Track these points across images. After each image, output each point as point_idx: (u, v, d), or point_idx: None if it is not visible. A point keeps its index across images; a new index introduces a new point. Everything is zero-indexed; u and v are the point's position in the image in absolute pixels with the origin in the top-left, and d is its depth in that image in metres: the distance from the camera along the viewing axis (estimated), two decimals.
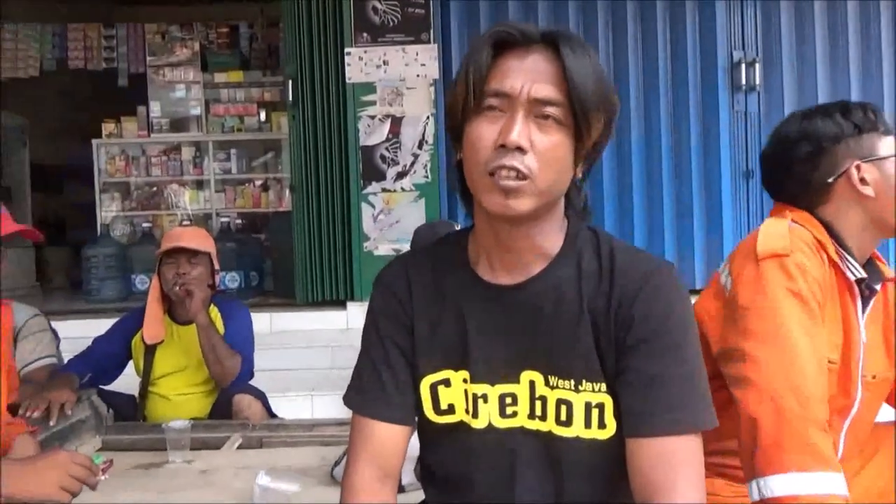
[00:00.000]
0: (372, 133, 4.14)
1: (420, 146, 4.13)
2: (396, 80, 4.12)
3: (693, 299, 1.01)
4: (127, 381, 2.56)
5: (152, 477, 1.87)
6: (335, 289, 4.27)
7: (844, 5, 4.15)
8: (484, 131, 0.87)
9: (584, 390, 0.91)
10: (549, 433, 0.92)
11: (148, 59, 6.16)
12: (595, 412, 0.91)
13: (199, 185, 6.25)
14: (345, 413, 1.04)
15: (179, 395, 2.47)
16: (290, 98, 4.28)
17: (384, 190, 4.15)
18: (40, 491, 1.29)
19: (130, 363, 2.55)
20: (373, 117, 4.14)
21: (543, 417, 0.92)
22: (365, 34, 4.13)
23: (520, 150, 0.85)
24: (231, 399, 2.32)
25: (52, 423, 1.93)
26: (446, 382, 0.97)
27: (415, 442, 1.02)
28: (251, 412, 2.30)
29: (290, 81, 4.27)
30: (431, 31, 4.13)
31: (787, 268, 1.15)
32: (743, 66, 4.12)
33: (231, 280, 4.92)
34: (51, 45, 6.37)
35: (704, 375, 0.91)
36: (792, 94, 4.14)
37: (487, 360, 0.94)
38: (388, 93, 4.13)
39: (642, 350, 0.88)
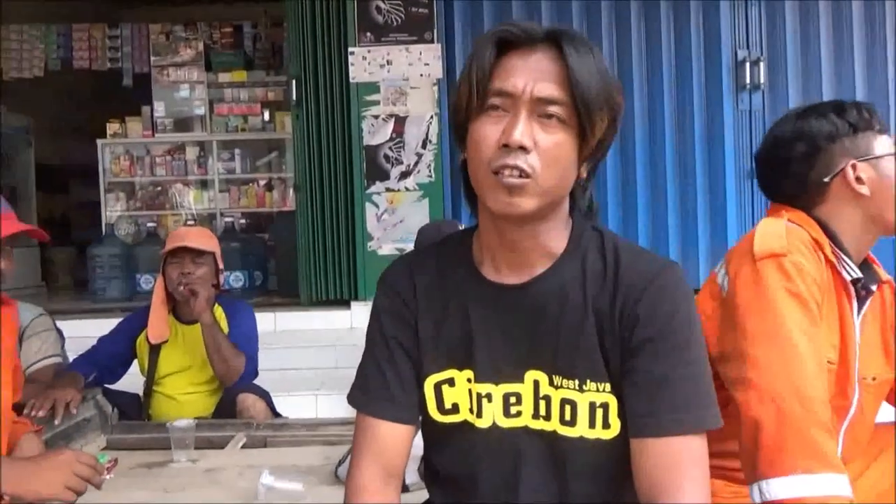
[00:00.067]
0: (375, 133, 4.14)
1: (424, 146, 4.13)
2: (400, 79, 4.13)
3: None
4: (131, 381, 2.57)
5: (157, 476, 1.88)
6: (339, 288, 4.27)
7: (849, 4, 4.14)
8: (487, 131, 0.87)
9: (589, 390, 0.90)
10: (554, 433, 0.92)
11: (152, 59, 6.18)
12: (599, 412, 0.90)
13: (204, 184, 6.27)
14: (349, 412, 1.04)
15: (184, 394, 2.47)
16: (294, 98, 4.29)
17: (388, 189, 4.15)
18: (45, 490, 1.29)
19: (135, 362, 2.56)
20: (376, 117, 4.14)
21: (548, 417, 0.92)
22: (368, 34, 4.13)
23: (523, 149, 0.85)
24: (235, 398, 2.33)
25: (57, 423, 1.93)
26: (450, 382, 0.97)
27: (419, 441, 1.02)
28: (255, 411, 2.31)
29: (294, 81, 4.28)
30: (435, 31, 4.13)
31: (785, 268, 1.14)
32: (747, 64, 4.11)
33: (235, 280, 4.93)
34: (55, 46, 6.40)
35: (709, 375, 0.91)
36: (796, 93, 4.13)
37: (492, 359, 0.94)
38: (391, 92, 4.13)
39: (647, 350, 0.88)
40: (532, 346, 0.93)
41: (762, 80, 4.11)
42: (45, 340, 2.38)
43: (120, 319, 2.62)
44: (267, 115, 6.16)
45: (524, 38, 0.88)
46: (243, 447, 2.10)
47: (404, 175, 4.14)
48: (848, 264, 1.22)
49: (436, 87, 4.13)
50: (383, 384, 0.98)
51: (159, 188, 6.25)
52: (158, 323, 2.45)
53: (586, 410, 0.91)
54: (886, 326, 1.30)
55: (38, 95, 6.60)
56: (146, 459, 1.99)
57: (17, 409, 1.62)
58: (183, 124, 6.15)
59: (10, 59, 6.30)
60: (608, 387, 0.90)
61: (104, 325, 2.65)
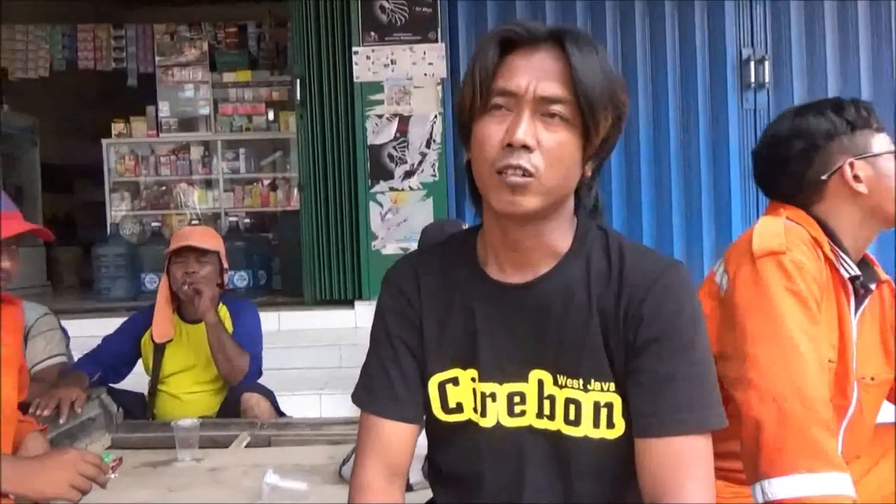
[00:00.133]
0: (380, 132, 4.15)
1: (428, 145, 4.13)
2: (404, 79, 4.13)
3: None
4: (136, 380, 2.57)
5: (161, 475, 1.88)
6: (343, 288, 4.28)
7: (854, 4, 4.12)
8: (491, 130, 0.87)
9: (593, 390, 0.90)
10: (558, 432, 0.92)
11: (157, 59, 6.19)
12: (604, 412, 0.90)
13: (208, 184, 6.28)
14: (353, 412, 1.04)
15: (188, 393, 2.48)
16: (298, 97, 4.29)
17: (392, 189, 4.15)
18: (50, 489, 1.29)
19: (140, 362, 2.57)
20: (380, 116, 4.14)
21: (552, 417, 0.92)
22: (372, 33, 4.13)
23: (526, 148, 0.85)
24: (240, 397, 2.33)
25: (62, 422, 1.94)
26: (455, 381, 0.96)
27: (423, 441, 1.02)
28: (259, 411, 2.31)
29: (298, 81, 4.28)
30: (439, 30, 4.13)
31: (785, 266, 1.14)
32: (752, 63, 4.09)
33: (240, 279, 4.94)
34: (61, 46, 6.42)
35: (714, 375, 0.91)
36: (801, 91, 4.11)
37: (496, 358, 0.94)
38: (395, 92, 4.13)
39: (651, 350, 0.88)
40: (536, 345, 0.93)
41: (767, 79, 4.09)
42: (51, 340, 2.39)
43: (125, 319, 2.63)
44: (271, 115, 6.17)
45: (527, 37, 0.88)
46: (247, 446, 2.10)
47: (408, 174, 4.14)
48: (846, 262, 1.22)
49: (440, 87, 4.13)
50: (387, 383, 0.98)
51: (164, 188, 6.27)
52: (163, 322, 2.45)
53: (591, 410, 0.90)
54: (886, 326, 1.30)
55: (43, 96, 6.62)
56: (151, 458, 1.99)
57: (23, 408, 1.63)
58: (187, 124, 6.16)
59: (15, 60, 6.32)
60: (612, 386, 0.90)
61: (109, 325, 2.66)
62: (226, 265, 2.53)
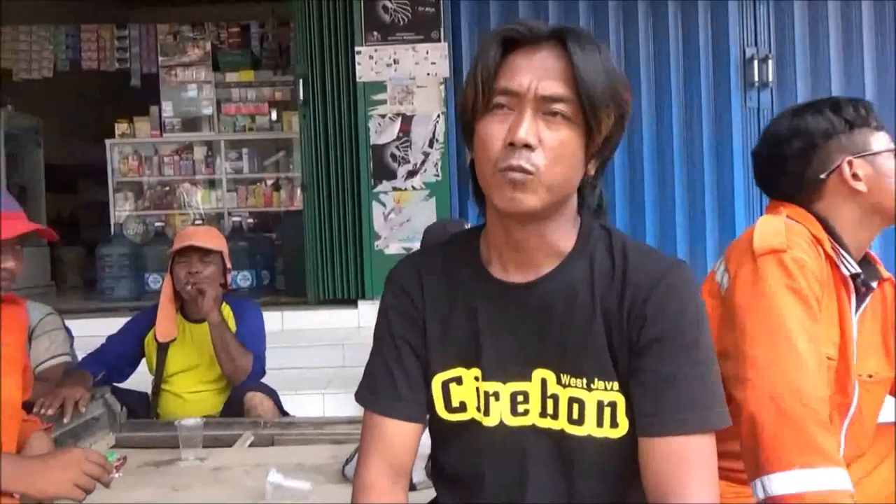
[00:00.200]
0: (382, 132, 4.15)
1: (431, 145, 4.13)
2: (407, 78, 4.13)
3: None
4: (140, 379, 2.58)
5: (164, 474, 1.88)
6: (346, 287, 4.28)
7: (858, 3, 4.10)
8: (493, 129, 0.87)
9: (597, 389, 0.90)
10: (561, 432, 0.92)
11: (160, 59, 6.20)
12: (607, 411, 0.90)
13: (211, 184, 6.29)
14: (356, 411, 1.04)
15: (192, 392, 2.48)
16: (301, 97, 4.30)
17: (395, 189, 4.16)
18: (55, 488, 1.30)
19: (143, 361, 2.57)
20: (383, 116, 4.14)
21: (555, 416, 0.92)
22: (375, 33, 4.13)
23: (528, 147, 0.85)
24: (243, 397, 2.34)
25: (66, 421, 1.94)
26: (458, 380, 0.96)
27: (426, 440, 1.02)
28: (263, 410, 2.31)
29: (301, 80, 4.29)
30: (442, 30, 4.13)
31: (786, 264, 1.14)
32: (755, 62, 4.09)
33: (243, 279, 4.94)
34: (64, 46, 6.43)
35: (718, 375, 0.90)
36: (805, 90, 4.10)
37: (499, 358, 0.94)
38: (398, 91, 4.14)
39: (655, 350, 0.88)
40: (540, 344, 0.93)
41: (771, 78, 4.09)
42: (54, 339, 2.40)
43: (128, 318, 2.63)
44: (274, 115, 6.17)
45: (529, 36, 0.88)
46: (251, 446, 2.11)
47: (411, 174, 4.15)
48: (847, 259, 1.22)
49: (442, 86, 4.13)
50: (391, 383, 0.98)
51: (167, 188, 6.28)
52: (166, 322, 2.46)
53: (594, 409, 0.90)
54: (887, 324, 1.30)
55: (46, 96, 6.64)
56: (154, 458, 2.00)
57: (27, 407, 1.63)
58: (191, 124, 6.17)
59: (19, 60, 6.34)
60: (616, 386, 0.90)
61: (113, 325, 2.67)
62: (229, 265, 2.54)
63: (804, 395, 1.05)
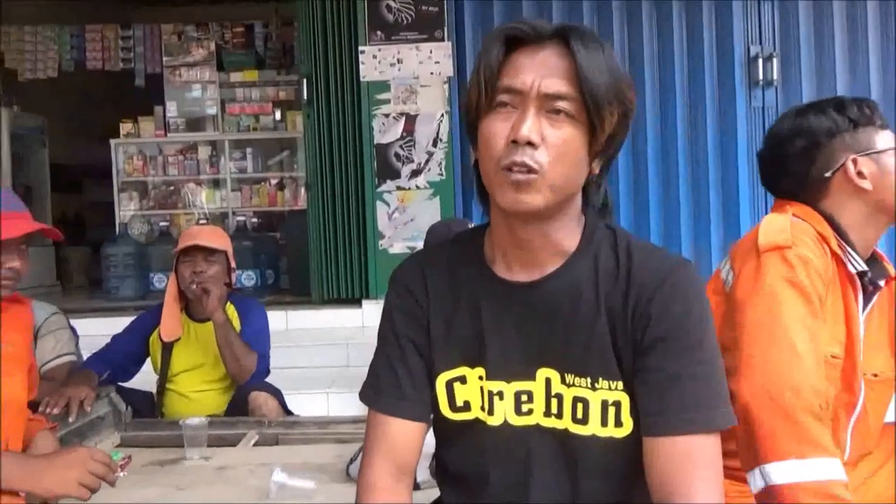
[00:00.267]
0: (386, 131, 4.15)
1: (434, 144, 4.13)
2: (410, 77, 4.13)
3: None
4: (145, 379, 2.59)
5: (169, 473, 1.89)
6: (350, 287, 4.29)
7: (864, 3, 4.09)
8: (496, 128, 0.87)
9: (601, 388, 0.90)
10: (565, 431, 0.92)
11: (164, 59, 6.22)
12: (611, 410, 0.90)
13: (216, 183, 6.30)
14: (360, 410, 1.04)
15: (196, 391, 2.49)
16: (305, 97, 4.30)
17: (399, 188, 4.16)
18: (60, 487, 1.30)
19: (148, 360, 2.58)
20: (387, 115, 4.14)
21: (559, 415, 0.92)
22: (379, 32, 4.13)
23: (531, 145, 0.85)
24: (247, 396, 2.34)
25: (71, 420, 1.95)
26: (462, 379, 0.96)
27: (430, 439, 1.02)
28: (267, 409, 2.32)
29: (305, 80, 4.29)
30: (445, 29, 4.13)
31: (789, 259, 1.15)
32: (760, 60, 4.07)
33: (247, 278, 4.95)
34: (69, 46, 6.45)
35: (723, 374, 0.90)
36: (810, 89, 4.09)
37: (503, 357, 0.94)
38: (402, 91, 4.14)
39: (659, 349, 0.88)
40: (544, 344, 0.93)
41: (775, 77, 4.07)
42: (60, 339, 2.41)
43: (133, 318, 2.64)
44: (278, 115, 6.18)
45: (533, 35, 0.88)
46: (255, 445, 2.11)
47: (415, 173, 4.15)
48: (854, 257, 1.22)
49: (446, 85, 4.13)
50: (395, 382, 0.98)
51: (172, 187, 6.29)
52: (171, 321, 2.46)
53: (598, 409, 0.90)
54: (893, 323, 1.29)
55: (52, 96, 6.66)
56: (159, 457, 2.00)
57: (32, 406, 1.64)
58: (195, 124, 6.18)
59: (24, 61, 6.36)
60: (620, 385, 0.90)
61: (118, 324, 2.67)
62: (233, 264, 2.54)
63: (797, 386, 1.05)
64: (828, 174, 1.26)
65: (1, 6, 5.63)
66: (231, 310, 2.51)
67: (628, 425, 0.90)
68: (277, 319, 3.81)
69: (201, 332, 2.49)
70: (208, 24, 6.34)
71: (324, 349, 3.84)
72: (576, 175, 0.89)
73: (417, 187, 4.15)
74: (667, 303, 0.88)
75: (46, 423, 1.62)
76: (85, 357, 2.51)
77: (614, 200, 1.01)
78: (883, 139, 1.27)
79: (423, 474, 1.56)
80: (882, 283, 1.27)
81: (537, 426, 0.93)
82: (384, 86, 4.14)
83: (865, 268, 1.23)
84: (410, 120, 4.14)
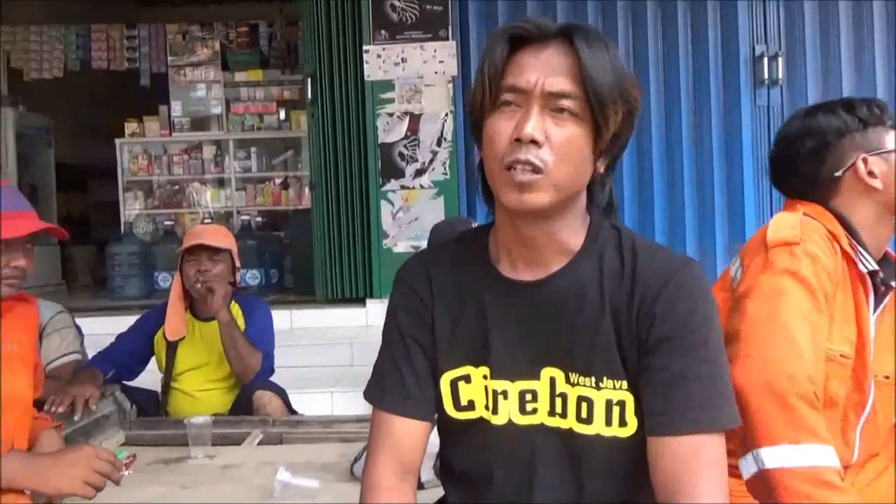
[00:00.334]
0: (391, 130, 4.15)
1: (439, 143, 4.13)
2: (415, 77, 4.13)
3: None
4: (149, 377, 2.59)
5: (174, 472, 1.89)
6: (355, 286, 4.29)
7: (870, 3, 4.07)
8: (500, 126, 0.87)
9: (605, 388, 0.90)
10: (570, 430, 0.92)
11: (169, 58, 6.23)
12: (616, 410, 0.90)
13: (220, 183, 6.31)
14: (364, 409, 1.05)
15: (201, 390, 2.49)
16: (310, 96, 4.31)
17: (403, 187, 4.16)
18: (65, 486, 1.30)
19: (153, 359, 2.58)
20: (391, 115, 4.14)
21: (564, 415, 0.92)
22: (383, 32, 4.13)
23: (535, 143, 0.85)
24: (252, 395, 2.34)
25: (76, 419, 1.96)
26: (466, 378, 0.96)
27: (434, 439, 1.02)
28: (272, 408, 2.32)
29: (310, 80, 4.29)
30: (450, 28, 4.13)
31: (796, 254, 1.15)
32: (765, 59, 4.06)
33: (252, 277, 4.96)
34: (74, 46, 6.47)
35: (727, 373, 0.90)
36: (815, 88, 4.07)
37: (508, 356, 0.94)
38: (406, 90, 4.13)
39: (664, 349, 0.87)
40: (548, 343, 0.92)
41: (780, 76, 4.06)
42: (65, 337, 2.41)
43: (138, 317, 2.64)
44: (283, 114, 6.19)
45: (537, 34, 0.88)
46: (259, 444, 2.11)
47: (419, 173, 4.14)
48: (865, 257, 1.22)
49: (450, 85, 4.13)
50: (399, 381, 0.98)
51: (177, 187, 6.31)
52: (176, 320, 2.47)
53: (603, 408, 0.90)
54: None
55: (57, 96, 6.68)
56: (164, 455, 2.01)
57: (38, 405, 1.64)
58: (200, 123, 6.20)
59: (30, 60, 6.38)
60: (625, 384, 0.90)
61: (122, 323, 2.68)
62: (238, 263, 2.54)
63: (794, 374, 1.05)
64: (838, 174, 1.26)
65: (1, 6, 5.65)
66: (235, 309, 2.52)
67: (633, 425, 0.90)
68: (282, 318, 3.81)
69: (206, 331, 2.49)
70: (213, 24, 6.35)
71: (328, 348, 3.85)
72: (580, 174, 0.89)
73: (421, 186, 4.15)
74: (672, 302, 0.88)
75: (52, 422, 1.62)
76: (90, 356, 2.51)
77: (619, 199, 1.01)
78: (893, 138, 1.27)
79: (428, 474, 1.56)
80: (894, 283, 1.27)
81: (542, 425, 0.93)
82: (388, 85, 4.14)
83: (877, 267, 1.23)
84: (415, 119, 4.13)
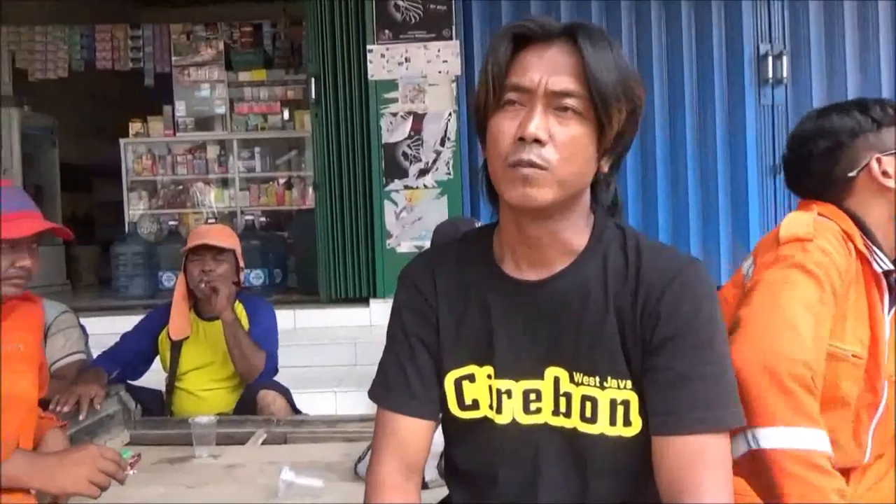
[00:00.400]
0: (394, 130, 4.15)
1: (442, 143, 4.13)
2: (418, 76, 4.13)
3: None
4: (154, 377, 2.60)
5: (178, 471, 1.90)
6: (358, 286, 4.29)
7: (875, 2, 4.05)
8: (504, 126, 0.87)
9: (610, 387, 0.90)
10: (574, 430, 0.91)
11: (173, 58, 6.24)
12: (620, 409, 0.90)
13: (224, 183, 6.32)
14: (368, 409, 1.05)
15: (205, 390, 2.50)
16: (313, 96, 4.31)
17: (406, 187, 4.16)
18: (70, 485, 1.31)
19: (157, 359, 2.59)
20: (395, 114, 4.14)
21: (568, 414, 0.92)
22: (387, 31, 4.13)
23: (538, 142, 0.85)
24: (256, 395, 2.34)
25: (81, 418, 1.96)
26: (471, 378, 0.96)
27: (439, 438, 1.02)
28: (276, 408, 2.32)
29: (313, 79, 4.30)
30: (453, 28, 4.12)
31: (808, 249, 1.15)
32: (770, 58, 4.05)
33: (255, 277, 4.97)
34: (79, 47, 6.48)
35: (732, 373, 0.90)
36: (820, 87, 4.06)
37: (512, 355, 0.94)
38: (410, 90, 4.13)
39: (668, 348, 0.87)
40: (552, 342, 0.92)
41: (785, 75, 4.05)
42: (70, 337, 2.42)
43: (142, 316, 2.65)
44: (286, 114, 6.20)
45: (541, 33, 0.88)
46: (264, 443, 2.11)
47: (423, 172, 4.14)
48: (879, 256, 1.22)
49: (454, 84, 4.13)
50: (404, 380, 0.98)
51: (181, 187, 6.32)
52: (180, 320, 2.47)
53: (607, 408, 0.90)
54: None
55: (62, 96, 6.69)
56: (168, 455, 2.01)
57: (43, 404, 1.64)
58: (204, 123, 6.21)
59: (34, 61, 6.40)
60: (629, 384, 0.89)
61: (127, 323, 2.69)
62: (242, 263, 2.55)
63: (792, 358, 1.05)
64: (852, 174, 1.26)
65: (2, 6, 5.66)
66: (239, 309, 2.52)
67: (637, 424, 0.90)
68: (285, 318, 3.81)
69: (210, 331, 2.50)
70: (217, 24, 6.36)
71: (332, 348, 3.85)
72: (584, 172, 0.89)
73: (425, 186, 4.15)
74: (676, 302, 0.88)
75: (57, 421, 1.63)
76: (94, 355, 2.52)
77: (623, 199, 1.01)
78: None
79: (432, 473, 1.56)
80: None
81: (546, 425, 0.93)
82: (392, 85, 4.14)
83: (892, 267, 1.23)
84: (418, 119, 4.13)
